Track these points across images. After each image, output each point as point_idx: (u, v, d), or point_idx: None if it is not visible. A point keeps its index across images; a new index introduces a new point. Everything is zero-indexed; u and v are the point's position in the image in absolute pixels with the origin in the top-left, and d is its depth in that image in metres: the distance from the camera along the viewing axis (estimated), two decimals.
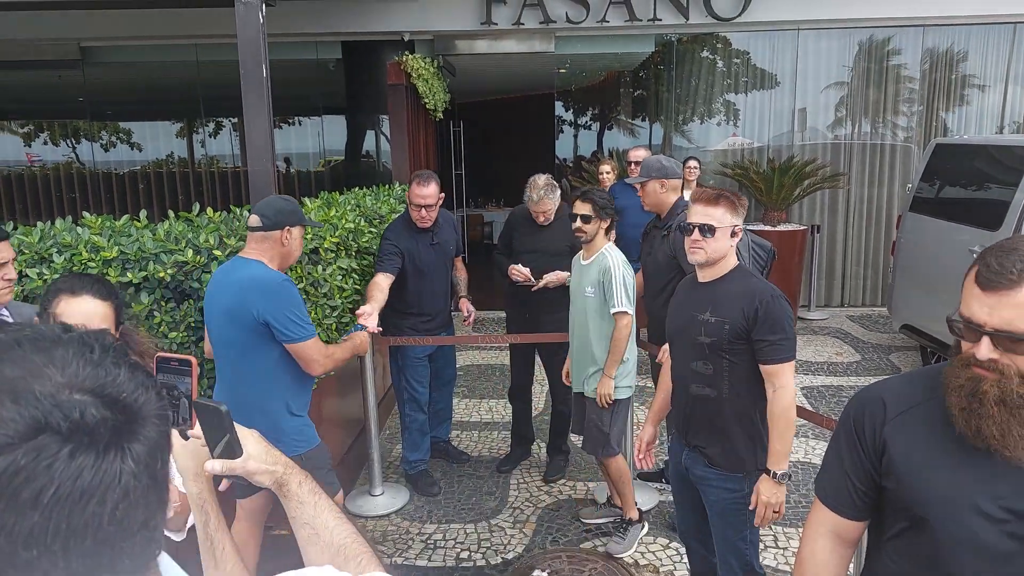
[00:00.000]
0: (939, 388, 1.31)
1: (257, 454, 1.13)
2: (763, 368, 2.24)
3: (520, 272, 3.91)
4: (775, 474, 2.24)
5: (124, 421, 0.61)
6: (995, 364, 1.19)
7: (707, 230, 2.28)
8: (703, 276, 2.37)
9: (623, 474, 3.46)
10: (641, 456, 2.69)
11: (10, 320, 2.08)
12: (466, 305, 4.16)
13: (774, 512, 2.25)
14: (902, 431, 1.34)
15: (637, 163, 5.27)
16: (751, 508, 2.28)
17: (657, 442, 4.58)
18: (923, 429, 1.31)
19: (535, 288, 3.88)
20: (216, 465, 1.10)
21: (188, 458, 1.14)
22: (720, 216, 2.29)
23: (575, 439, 4.65)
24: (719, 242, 2.29)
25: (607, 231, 3.35)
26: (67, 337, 0.65)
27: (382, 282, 3.63)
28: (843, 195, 7.90)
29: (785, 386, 2.23)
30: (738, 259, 2.42)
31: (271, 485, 1.13)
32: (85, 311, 1.79)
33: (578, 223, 3.31)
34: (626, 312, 3.22)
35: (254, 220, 2.61)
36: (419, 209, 3.75)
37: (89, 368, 0.62)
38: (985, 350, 1.20)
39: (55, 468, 0.56)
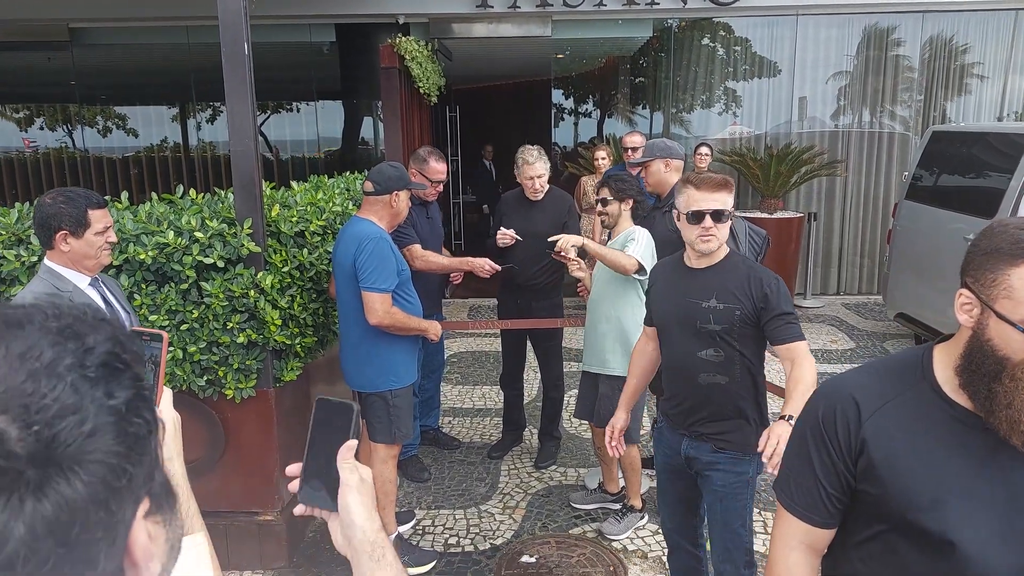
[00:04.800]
0: (910, 380, 1.26)
1: (366, 478, 0.88)
2: (783, 348, 2.19)
3: (504, 233, 3.86)
4: (791, 418, 2.10)
5: (32, 462, 0.43)
6: None
7: (721, 216, 2.21)
8: (700, 262, 2.28)
9: (634, 462, 3.46)
10: (613, 443, 2.62)
11: (102, 287, 2.29)
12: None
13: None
14: (881, 431, 1.25)
15: (634, 149, 5.24)
16: (760, 450, 2.10)
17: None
18: (902, 427, 1.24)
19: (554, 253, 3.68)
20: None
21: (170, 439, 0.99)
22: (727, 200, 2.24)
23: (567, 426, 4.63)
24: (727, 227, 2.25)
25: (633, 213, 3.34)
26: (35, 327, 0.48)
27: (422, 249, 3.75)
28: (840, 183, 7.85)
29: (810, 356, 2.19)
30: (735, 245, 2.37)
31: (358, 542, 0.86)
32: None
33: (599, 207, 3.37)
34: (637, 261, 3.15)
35: (368, 186, 3.00)
36: (436, 185, 3.83)
37: (20, 378, 0.45)
38: None
39: None
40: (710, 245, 2.23)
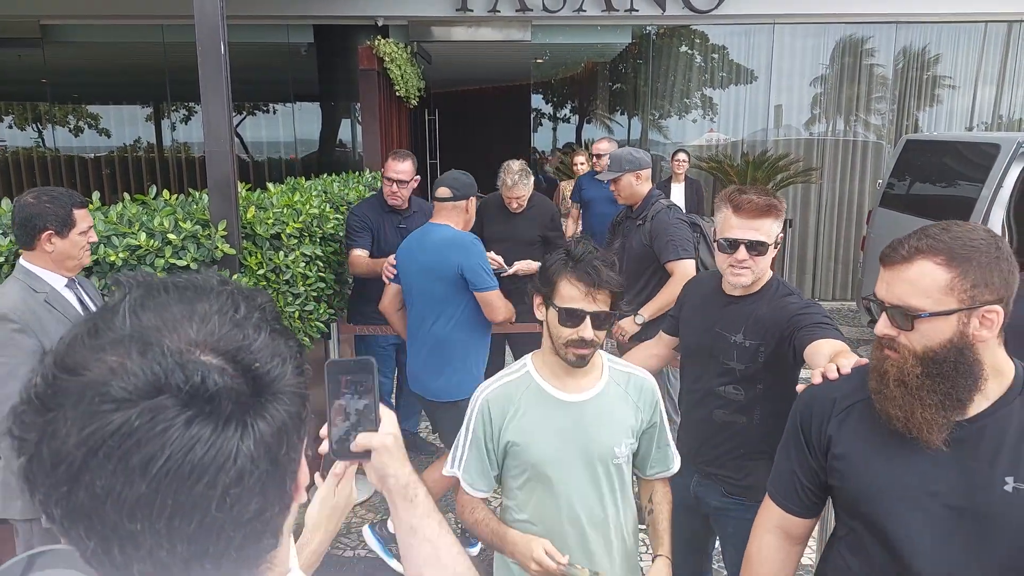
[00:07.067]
0: None
1: (397, 436, 0.92)
2: (808, 351, 1.78)
3: (493, 259, 3.84)
4: None
5: (251, 393, 0.54)
6: (894, 343, 1.20)
7: (757, 247, 1.92)
8: (735, 290, 2.03)
9: None
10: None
11: (79, 289, 2.27)
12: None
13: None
14: (845, 427, 1.32)
15: (599, 156, 5.15)
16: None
17: None
18: (865, 424, 1.29)
19: (505, 275, 3.82)
20: (360, 439, 0.90)
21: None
22: (769, 229, 1.92)
23: None
24: (767, 259, 1.95)
25: None
26: (218, 290, 0.58)
27: (363, 255, 3.60)
28: (815, 190, 7.96)
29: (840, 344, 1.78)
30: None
31: (392, 485, 0.92)
32: None
33: (591, 335, 1.62)
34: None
35: (444, 192, 2.97)
36: (391, 184, 3.70)
37: (227, 328, 0.56)
38: (881, 325, 1.22)
39: (169, 435, 0.50)
40: (741, 279, 1.96)
